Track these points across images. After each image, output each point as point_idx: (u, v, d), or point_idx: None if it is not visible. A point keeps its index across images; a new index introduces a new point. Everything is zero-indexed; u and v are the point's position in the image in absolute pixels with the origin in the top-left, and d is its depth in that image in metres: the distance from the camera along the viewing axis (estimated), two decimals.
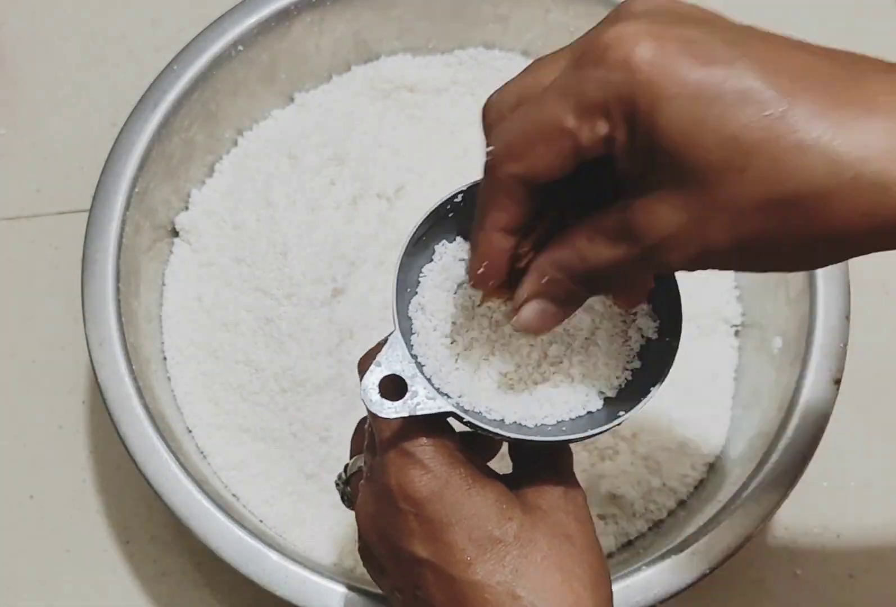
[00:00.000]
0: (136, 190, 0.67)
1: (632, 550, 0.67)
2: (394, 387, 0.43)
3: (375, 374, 0.43)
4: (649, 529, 0.69)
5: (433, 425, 0.43)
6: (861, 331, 0.69)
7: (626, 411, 0.43)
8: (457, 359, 0.45)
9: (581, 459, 0.69)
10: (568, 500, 0.44)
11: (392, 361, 0.43)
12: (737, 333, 0.73)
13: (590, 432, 0.43)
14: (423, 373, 0.44)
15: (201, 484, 0.61)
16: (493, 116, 0.40)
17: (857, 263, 0.70)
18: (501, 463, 0.48)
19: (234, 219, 0.72)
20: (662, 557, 0.60)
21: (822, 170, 0.34)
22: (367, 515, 0.46)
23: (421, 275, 0.46)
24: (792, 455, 0.62)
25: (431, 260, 0.46)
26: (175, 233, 0.73)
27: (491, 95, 0.41)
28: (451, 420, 0.44)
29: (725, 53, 0.35)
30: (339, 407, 0.68)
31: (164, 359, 0.71)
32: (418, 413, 0.42)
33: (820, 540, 0.72)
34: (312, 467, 0.68)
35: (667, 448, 0.70)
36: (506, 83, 0.41)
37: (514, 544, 0.42)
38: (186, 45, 0.69)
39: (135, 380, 0.63)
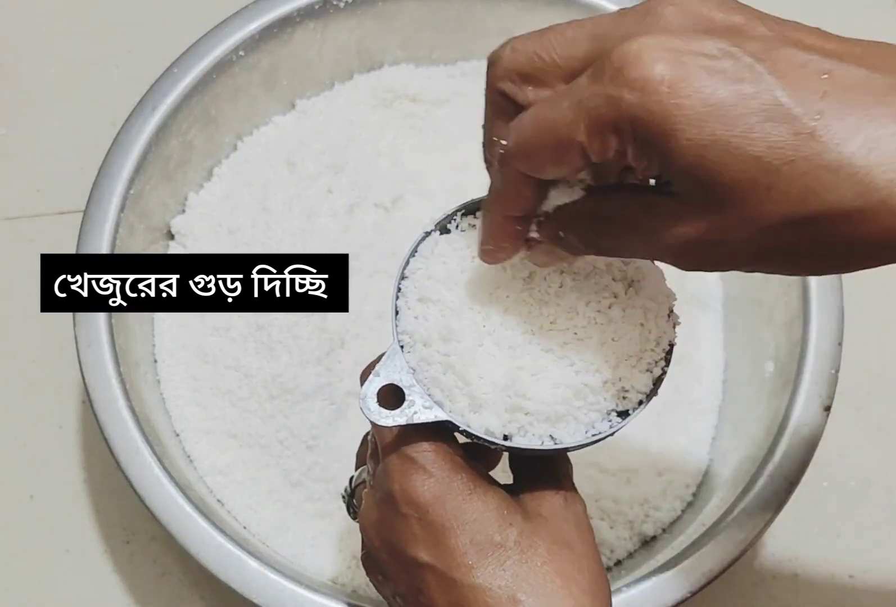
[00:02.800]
0: (132, 192, 0.67)
1: (617, 571, 0.67)
2: (392, 397, 0.43)
3: (374, 384, 0.43)
4: (636, 550, 0.68)
5: (435, 431, 0.44)
6: (861, 331, 0.69)
7: (620, 421, 0.44)
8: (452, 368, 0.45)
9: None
10: (567, 508, 0.45)
11: (391, 371, 0.44)
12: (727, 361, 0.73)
13: (583, 441, 0.43)
14: (421, 383, 0.44)
15: (184, 489, 0.61)
16: (499, 75, 0.40)
17: None
18: (502, 475, 0.48)
19: (229, 223, 0.72)
20: (645, 578, 0.60)
21: (852, 190, 0.33)
22: (370, 522, 0.46)
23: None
24: (778, 480, 0.62)
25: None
26: (171, 236, 0.73)
27: (500, 50, 0.40)
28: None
29: (752, 69, 0.34)
30: (326, 415, 0.68)
31: (155, 361, 0.70)
32: (415, 421, 0.43)
33: (820, 540, 0.72)
34: (298, 475, 0.68)
35: (650, 470, 0.70)
36: (516, 40, 0.39)
37: (515, 549, 0.42)
38: (188, 48, 0.69)
39: (122, 382, 0.63)
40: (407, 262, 0.46)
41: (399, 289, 0.45)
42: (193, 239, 0.72)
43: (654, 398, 0.44)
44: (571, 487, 0.46)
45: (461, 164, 0.76)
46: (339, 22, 0.73)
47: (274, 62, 0.72)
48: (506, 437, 0.44)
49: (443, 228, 0.46)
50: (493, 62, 0.40)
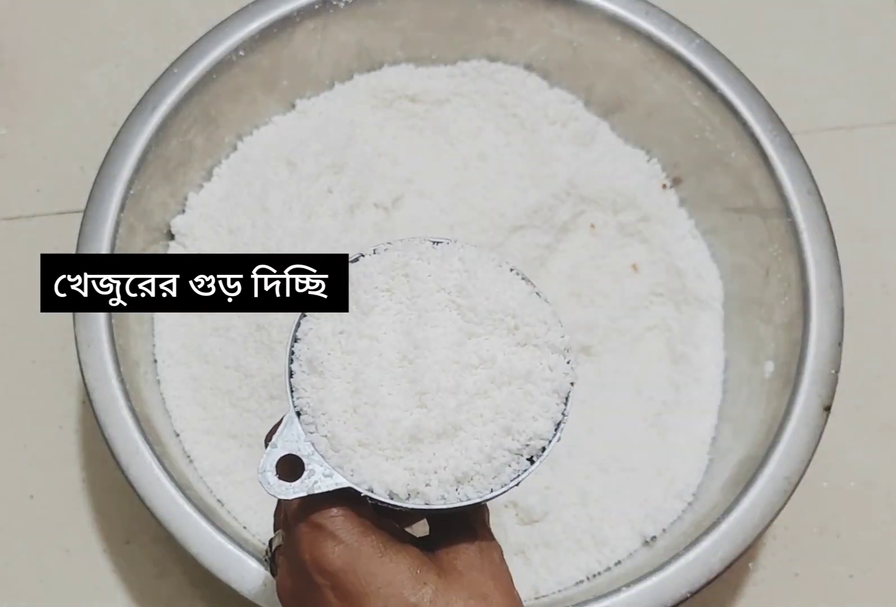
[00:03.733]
0: (132, 192, 0.67)
1: (617, 570, 0.67)
2: (292, 466, 0.43)
3: (272, 455, 0.43)
4: (636, 550, 0.68)
5: (341, 494, 0.43)
6: (861, 331, 0.69)
7: (526, 469, 0.44)
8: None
9: (569, 481, 0.69)
10: (483, 558, 0.45)
11: (288, 440, 0.43)
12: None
13: (487, 495, 0.43)
14: (318, 450, 0.44)
15: (184, 489, 0.61)
16: None
17: (857, 263, 0.70)
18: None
19: (229, 223, 0.72)
20: (645, 578, 0.60)
21: None
22: (285, 591, 0.46)
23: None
24: (778, 480, 0.62)
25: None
26: (171, 236, 0.73)
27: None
28: None
29: None
30: None
31: (154, 361, 0.70)
32: (316, 491, 0.43)
33: (820, 540, 0.72)
34: None
35: (650, 470, 0.70)
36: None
37: None
38: (188, 48, 0.69)
39: (122, 382, 0.63)
40: (298, 324, 0.46)
41: (292, 352, 0.45)
42: (193, 239, 0.72)
43: (557, 443, 0.44)
44: (487, 535, 0.46)
45: (461, 164, 0.76)
46: (339, 22, 0.73)
47: (274, 62, 0.72)
48: (411, 496, 0.43)
49: None
50: None
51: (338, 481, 0.43)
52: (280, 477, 0.43)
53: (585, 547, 0.68)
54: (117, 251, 0.66)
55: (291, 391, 0.45)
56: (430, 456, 0.43)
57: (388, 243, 0.47)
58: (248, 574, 0.59)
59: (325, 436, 0.44)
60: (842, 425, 0.68)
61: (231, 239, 0.71)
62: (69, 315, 0.63)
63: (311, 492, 0.43)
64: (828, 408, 0.64)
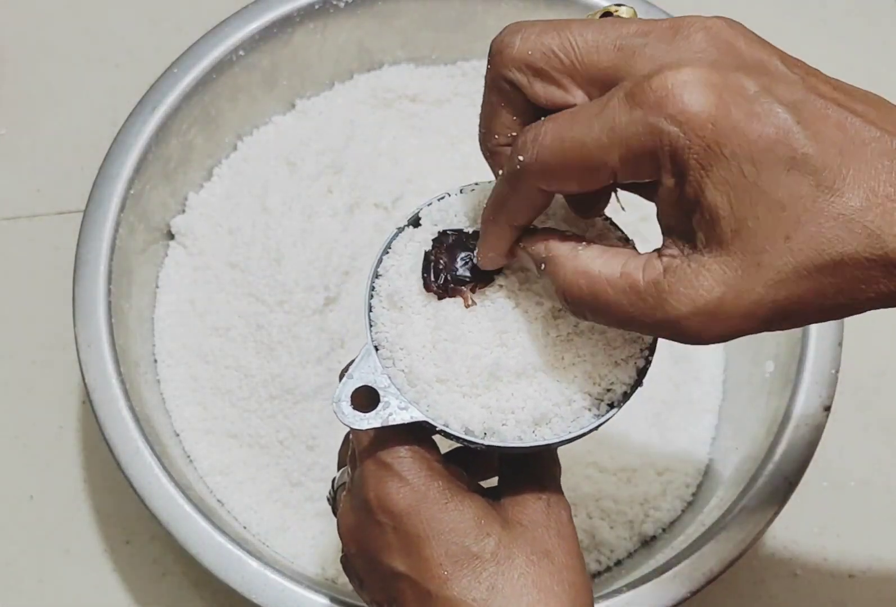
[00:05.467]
0: (132, 192, 0.67)
1: (616, 571, 0.67)
2: (367, 399, 0.43)
3: (348, 386, 0.43)
4: (636, 550, 0.68)
5: (412, 434, 0.43)
6: (861, 331, 0.68)
7: (606, 413, 0.43)
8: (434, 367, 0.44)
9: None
10: (550, 515, 0.44)
11: (364, 372, 0.43)
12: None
13: (567, 436, 0.43)
14: (395, 384, 0.43)
15: (185, 489, 0.61)
16: (507, 63, 0.39)
17: None
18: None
19: (229, 223, 0.72)
20: (644, 579, 0.60)
21: (865, 244, 0.34)
22: (347, 527, 0.46)
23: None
24: (778, 480, 0.62)
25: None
26: (171, 236, 0.73)
27: (509, 37, 0.39)
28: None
29: (784, 115, 0.34)
30: (326, 415, 0.68)
31: (155, 361, 0.70)
32: (390, 423, 0.42)
33: (820, 540, 0.72)
34: (298, 475, 0.68)
35: (650, 470, 0.70)
36: (527, 29, 0.39)
37: (492, 561, 0.42)
38: (188, 48, 0.69)
39: (122, 381, 0.63)
40: (380, 260, 0.45)
41: (373, 287, 0.45)
42: (193, 239, 0.72)
43: (640, 389, 0.43)
44: (556, 491, 0.45)
45: (461, 164, 0.76)
46: (339, 22, 0.72)
47: (274, 62, 0.72)
48: (487, 435, 0.43)
49: (415, 223, 0.46)
50: (500, 49, 0.39)
51: (413, 414, 0.42)
52: (355, 408, 0.42)
53: (585, 547, 0.68)
54: (116, 251, 0.66)
55: (370, 325, 0.44)
56: (509, 395, 0.42)
57: (476, 183, 0.46)
58: (248, 574, 0.59)
59: (403, 371, 0.43)
60: (842, 425, 0.68)
61: (231, 239, 0.71)
62: (69, 315, 0.63)
63: (385, 424, 0.42)
64: (828, 408, 0.64)
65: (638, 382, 0.43)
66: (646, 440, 0.71)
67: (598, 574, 0.67)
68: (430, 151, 0.76)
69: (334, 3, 0.72)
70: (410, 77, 0.77)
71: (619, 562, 0.68)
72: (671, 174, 0.35)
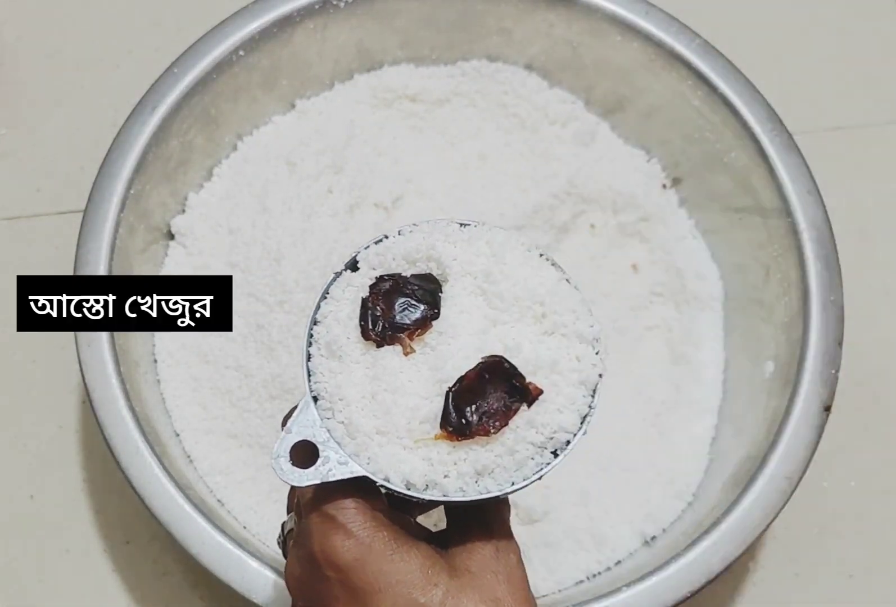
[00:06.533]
0: (132, 192, 0.67)
1: (617, 570, 0.67)
2: (308, 453, 0.42)
3: (286, 441, 0.42)
4: (636, 550, 0.68)
5: (355, 486, 0.43)
6: (861, 331, 0.68)
7: (549, 462, 0.42)
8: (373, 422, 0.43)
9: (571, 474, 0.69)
10: (499, 560, 0.43)
11: (303, 425, 0.42)
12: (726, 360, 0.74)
13: (507, 488, 0.42)
14: (335, 437, 0.42)
15: (185, 489, 0.61)
16: None
17: (857, 263, 0.70)
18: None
19: (229, 223, 0.72)
20: (645, 578, 0.60)
21: None
22: (294, 579, 0.45)
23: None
24: (778, 480, 0.62)
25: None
26: (170, 236, 0.73)
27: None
28: None
29: None
30: None
31: (155, 361, 0.70)
32: (330, 479, 0.42)
33: (820, 540, 0.72)
34: None
35: (650, 470, 0.70)
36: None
37: None
38: (188, 48, 0.69)
39: (122, 381, 0.63)
40: (318, 306, 0.45)
41: (311, 335, 0.44)
42: (193, 239, 0.72)
43: (582, 436, 0.43)
44: (506, 534, 0.45)
45: (461, 164, 0.76)
46: (339, 22, 0.73)
47: (274, 62, 0.72)
48: (428, 487, 0.42)
49: (352, 267, 0.45)
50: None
51: (353, 469, 0.42)
52: (294, 464, 0.42)
53: (585, 547, 0.68)
54: (117, 251, 0.66)
55: (309, 375, 0.43)
56: (450, 447, 0.42)
57: (414, 224, 0.46)
58: (248, 574, 0.59)
59: (342, 423, 0.43)
60: (842, 425, 0.68)
61: (231, 239, 0.71)
62: None
63: (325, 480, 0.41)
64: (828, 408, 0.64)
65: (582, 430, 0.42)
66: (646, 440, 0.71)
67: (598, 574, 0.67)
68: (430, 151, 0.77)
69: (334, 3, 0.72)
70: (410, 77, 0.77)
71: (619, 562, 0.68)
72: None
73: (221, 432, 0.69)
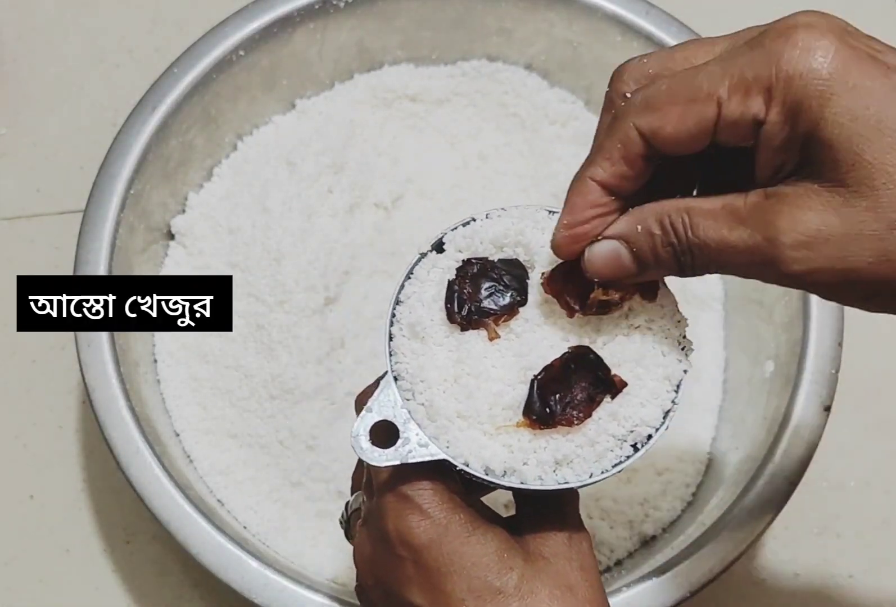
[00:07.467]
0: (132, 192, 0.67)
1: (617, 571, 0.67)
2: (386, 433, 0.42)
3: (366, 420, 0.42)
4: (636, 550, 0.68)
5: (432, 467, 0.42)
6: (861, 331, 0.68)
7: (629, 456, 0.42)
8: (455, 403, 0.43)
9: None
10: (572, 547, 0.43)
11: (384, 406, 0.42)
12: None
13: (586, 479, 0.42)
14: (415, 418, 0.42)
15: (185, 489, 0.61)
16: (624, 79, 0.38)
17: None
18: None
19: (229, 223, 0.72)
20: (645, 578, 0.60)
21: None
22: (363, 558, 0.45)
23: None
24: (778, 480, 0.62)
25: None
26: (171, 236, 0.73)
27: (625, 63, 0.39)
28: None
29: None
30: (326, 415, 0.68)
31: (155, 361, 0.71)
32: (409, 461, 0.41)
33: (820, 540, 0.72)
34: (298, 475, 0.68)
35: (650, 470, 0.70)
36: (644, 55, 0.39)
37: (515, 595, 0.41)
38: (188, 48, 0.69)
39: (122, 382, 0.63)
40: (402, 286, 0.44)
41: (393, 315, 0.44)
42: (193, 239, 0.72)
43: (664, 431, 0.42)
44: (577, 524, 0.44)
45: (461, 164, 0.76)
46: (339, 22, 0.73)
47: (274, 62, 0.72)
48: (507, 474, 0.42)
49: (438, 248, 0.44)
50: (617, 71, 0.39)
51: (433, 452, 0.41)
52: (373, 443, 0.41)
53: None
54: (117, 251, 0.66)
55: (390, 355, 0.43)
56: (531, 435, 0.41)
57: (502, 209, 0.45)
58: (248, 574, 0.59)
59: (423, 405, 0.42)
60: (842, 425, 0.68)
61: (231, 239, 0.71)
62: None
63: (404, 461, 0.41)
64: (828, 408, 0.64)
65: (664, 425, 0.42)
66: None
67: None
68: (430, 151, 0.77)
69: (334, 3, 0.72)
70: (410, 77, 0.77)
71: (619, 562, 0.68)
72: (781, 107, 0.34)
73: (221, 432, 0.69)
